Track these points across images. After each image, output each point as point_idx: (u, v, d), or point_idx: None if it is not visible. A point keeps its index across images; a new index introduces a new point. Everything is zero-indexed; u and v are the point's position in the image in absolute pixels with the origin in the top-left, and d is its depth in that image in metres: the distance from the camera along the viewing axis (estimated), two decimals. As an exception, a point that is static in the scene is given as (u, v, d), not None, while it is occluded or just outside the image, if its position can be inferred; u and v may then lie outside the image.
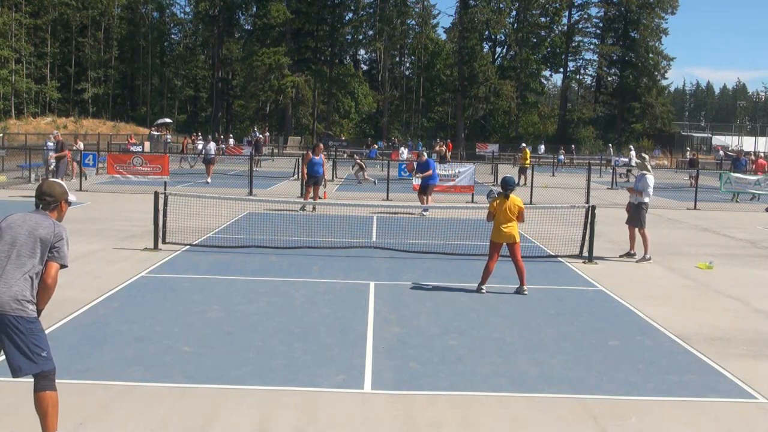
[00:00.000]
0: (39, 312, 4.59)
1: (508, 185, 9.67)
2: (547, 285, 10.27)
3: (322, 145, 20.66)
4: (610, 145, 41.13)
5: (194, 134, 49.90)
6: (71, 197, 4.90)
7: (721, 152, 38.17)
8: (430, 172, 18.79)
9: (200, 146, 47.24)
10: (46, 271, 4.46)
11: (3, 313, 4.33)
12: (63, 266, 4.58)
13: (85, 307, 8.16)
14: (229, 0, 70.46)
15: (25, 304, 4.42)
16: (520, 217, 9.67)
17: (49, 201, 4.73)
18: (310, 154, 18.87)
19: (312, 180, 18.57)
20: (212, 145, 29.09)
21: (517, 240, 9.61)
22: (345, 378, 6.17)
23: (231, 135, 57.55)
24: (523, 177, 29.62)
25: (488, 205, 9.80)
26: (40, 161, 25.61)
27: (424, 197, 18.55)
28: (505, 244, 9.56)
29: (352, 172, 30.47)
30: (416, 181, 20.06)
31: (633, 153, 38.00)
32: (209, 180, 26.81)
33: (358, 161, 30.06)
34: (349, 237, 13.69)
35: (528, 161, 31.27)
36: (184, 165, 36.97)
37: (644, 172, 12.76)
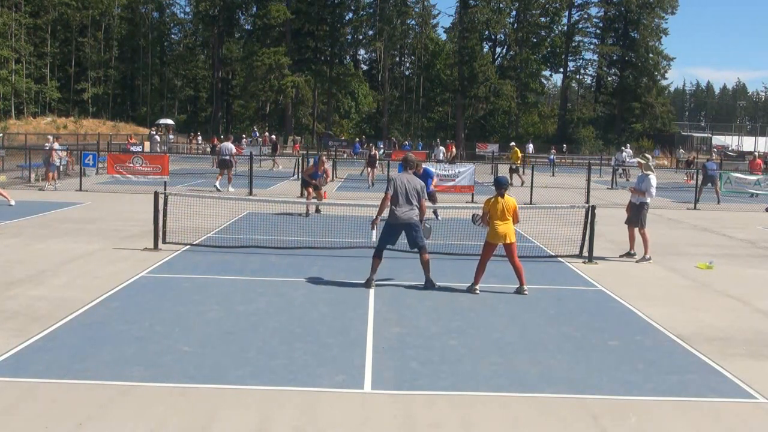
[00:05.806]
0: (422, 218, 9.76)
1: (501, 185, 9.59)
2: (547, 285, 10.27)
3: (324, 159, 19.98)
4: (623, 148, 40.53)
5: (192, 134, 49.82)
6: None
7: (715, 153, 38.22)
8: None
9: (212, 147, 46.17)
10: (421, 204, 9.60)
11: (413, 223, 9.55)
12: (426, 198, 10.02)
13: (85, 307, 8.16)
14: (229, 0, 70.45)
15: (417, 218, 9.60)
16: (515, 218, 9.61)
17: (412, 165, 9.96)
18: (312, 168, 18.73)
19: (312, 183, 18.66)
20: (229, 146, 24.16)
21: (513, 240, 9.50)
22: (345, 378, 6.17)
23: (244, 135, 57.22)
24: (517, 176, 29.53)
25: (482, 206, 9.66)
26: (39, 161, 25.61)
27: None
28: (501, 245, 9.51)
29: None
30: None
31: (625, 154, 37.97)
32: (231, 189, 22.85)
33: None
34: (349, 237, 13.68)
35: (519, 161, 31.17)
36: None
37: (647, 172, 12.75)
